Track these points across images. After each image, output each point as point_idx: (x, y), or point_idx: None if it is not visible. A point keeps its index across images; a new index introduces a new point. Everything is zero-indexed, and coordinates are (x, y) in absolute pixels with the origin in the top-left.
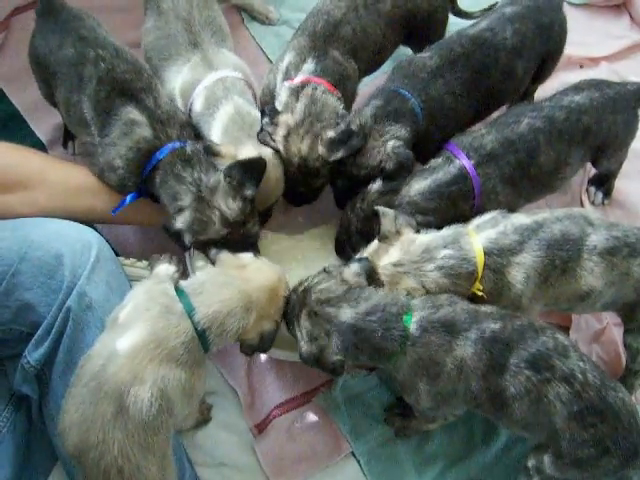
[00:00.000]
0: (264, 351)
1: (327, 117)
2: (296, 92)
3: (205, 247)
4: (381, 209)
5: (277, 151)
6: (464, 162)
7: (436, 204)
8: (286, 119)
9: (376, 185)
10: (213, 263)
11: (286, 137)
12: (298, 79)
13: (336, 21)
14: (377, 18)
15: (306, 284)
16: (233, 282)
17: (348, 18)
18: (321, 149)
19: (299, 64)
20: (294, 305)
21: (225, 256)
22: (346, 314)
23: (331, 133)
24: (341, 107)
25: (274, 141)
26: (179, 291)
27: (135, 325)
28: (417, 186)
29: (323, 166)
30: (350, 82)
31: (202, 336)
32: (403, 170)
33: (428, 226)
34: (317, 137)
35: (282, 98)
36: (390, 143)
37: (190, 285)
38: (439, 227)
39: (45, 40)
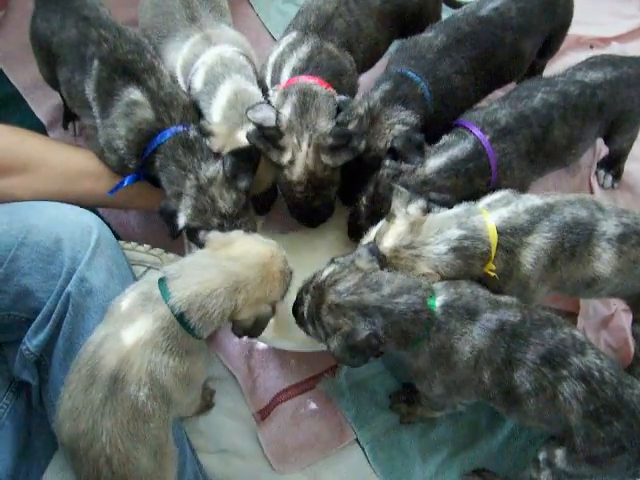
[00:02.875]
0: (254, 336)
1: (323, 122)
2: (286, 98)
3: (196, 234)
4: (397, 187)
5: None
6: (480, 137)
7: (453, 181)
8: (287, 140)
9: (388, 167)
10: (202, 245)
11: (291, 161)
12: (286, 80)
13: (328, 15)
14: (369, 12)
15: (319, 280)
16: (217, 263)
17: (340, 12)
18: (325, 158)
19: (288, 60)
20: (309, 305)
21: (213, 235)
22: (370, 297)
23: (330, 140)
24: (335, 102)
25: (282, 166)
26: (161, 278)
27: (121, 313)
28: (432, 164)
29: (332, 173)
30: (346, 76)
31: (181, 320)
32: (411, 146)
33: (444, 204)
34: (318, 147)
35: (274, 104)
36: (397, 127)
37: (171, 270)
38: (454, 204)
39: (46, 21)
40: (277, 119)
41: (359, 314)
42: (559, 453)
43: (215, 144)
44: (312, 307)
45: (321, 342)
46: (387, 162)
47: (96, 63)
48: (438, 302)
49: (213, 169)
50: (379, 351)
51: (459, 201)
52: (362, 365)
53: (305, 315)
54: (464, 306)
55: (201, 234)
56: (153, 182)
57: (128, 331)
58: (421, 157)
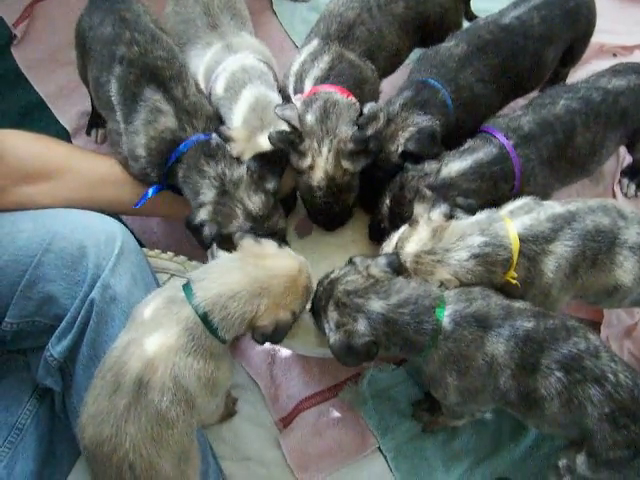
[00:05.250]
0: (275, 342)
1: (344, 128)
2: (309, 107)
3: (227, 243)
4: (422, 190)
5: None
6: (503, 142)
7: (477, 185)
8: (308, 145)
9: (412, 169)
10: (235, 247)
11: (311, 166)
12: (308, 90)
13: (350, 22)
14: (391, 19)
15: (332, 276)
16: (243, 267)
17: (362, 19)
18: (345, 163)
19: (310, 70)
20: (320, 297)
21: (247, 242)
22: (376, 304)
23: (351, 145)
24: (357, 110)
25: (301, 171)
26: (186, 283)
27: (144, 317)
28: (457, 167)
29: (352, 178)
30: (368, 84)
31: (205, 321)
32: (424, 139)
33: (470, 210)
34: (338, 152)
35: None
36: (410, 129)
37: (196, 273)
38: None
39: (89, 16)
40: (300, 123)
41: (364, 317)
42: (579, 459)
43: (234, 149)
44: (321, 301)
45: (324, 336)
46: (409, 165)
47: (124, 65)
48: (447, 311)
49: (238, 173)
50: (375, 357)
51: (483, 206)
52: (353, 365)
53: (314, 306)
54: (474, 314)
55: (236, 236)
56: (176, 191)
57: (152, 335)
58: (438, 147)
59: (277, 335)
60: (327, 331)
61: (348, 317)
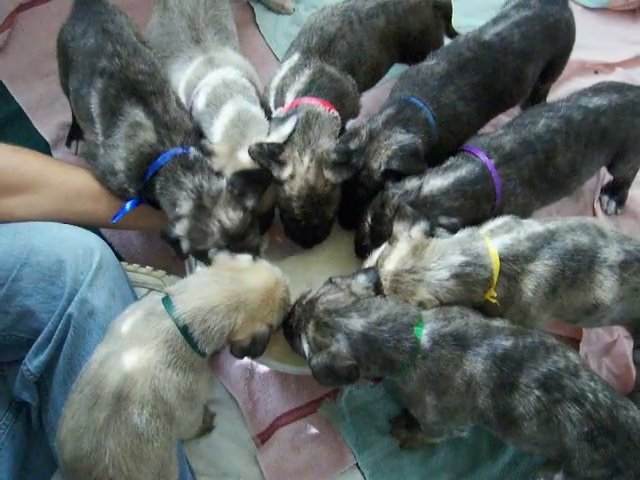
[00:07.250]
0: (255, 356)
1: (326, 140)
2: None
3: (203, 256)
4: (403, 207)
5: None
6: (485, 161)
7: (460, 203)
8: (289, 154)
9: (393, 187)
10: (210, 263)
11: (292, 175)
12: (289, 102)
13: (330, 36)
14: (372, 33)
15: (310, 296)
16: (220, 281)
17: (343, 32)
18: (327, 173)
19: (291, 84)
20: (299, 318)
21: (222, 257)
22: (357, 323)
23: (334, 155)
24: (338, 124)
25: (282, 181)
26: (165, 296)
27: (123, 331)
28: (439, 184)
29: (332, 190)
30: (348, 98)
31: (185, 333)
32: (408, 157)
33: (453, 229)
34: (321, 162)
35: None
36: (393, 148)
37: (175, 287)
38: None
39: (71, 26)
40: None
41: (345, 337)
42: (557, 477)
43: (216, 164)
44: (301, 320)
45: (303, 356)
46: (390, 184)
47: (105, 78)
48: (425, 330)
49: (217, 187)
50: (356, 380)
51: (464, 225)
52: (332, 387)
53: (293, 327)
54: (452, 333)
55: (211, 252)
56: (154, 205)
57: (131, 348)
58: (422, 165)
59: (255, 349)
60: (307, 352)
61: (330, 337)
